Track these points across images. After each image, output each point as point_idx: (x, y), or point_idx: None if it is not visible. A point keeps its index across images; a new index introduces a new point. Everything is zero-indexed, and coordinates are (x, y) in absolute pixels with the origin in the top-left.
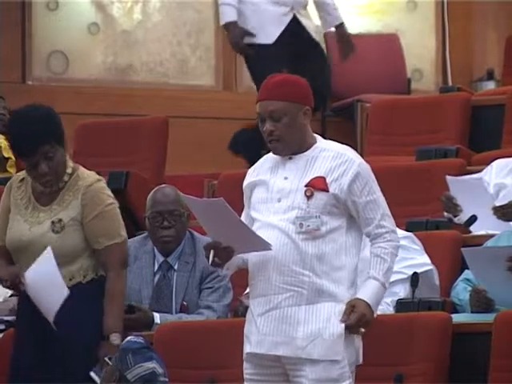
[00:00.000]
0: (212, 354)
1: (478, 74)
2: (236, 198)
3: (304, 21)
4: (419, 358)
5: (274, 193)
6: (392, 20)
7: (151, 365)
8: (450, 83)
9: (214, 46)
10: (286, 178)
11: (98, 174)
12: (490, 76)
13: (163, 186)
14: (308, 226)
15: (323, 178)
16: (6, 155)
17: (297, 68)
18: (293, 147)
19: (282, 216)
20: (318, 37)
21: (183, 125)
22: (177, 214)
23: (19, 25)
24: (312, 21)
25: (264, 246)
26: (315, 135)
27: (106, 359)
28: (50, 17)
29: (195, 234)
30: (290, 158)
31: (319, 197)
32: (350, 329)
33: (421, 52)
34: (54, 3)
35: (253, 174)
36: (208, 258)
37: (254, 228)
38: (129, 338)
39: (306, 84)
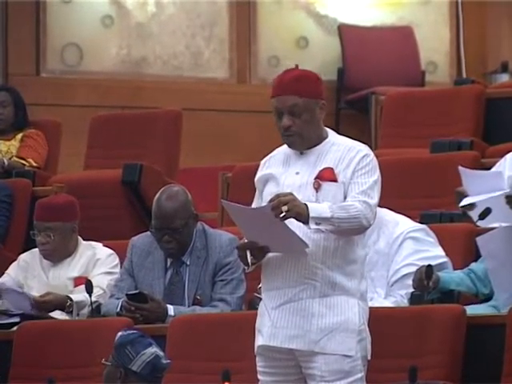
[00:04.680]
0: (226, 347)
1: (493, 67)
2: (250, 190)
3: None
4: (433, 350)
5: (285, 187)
6: (406, 12)
7: (152, 349)
8: (465, 75)
9: (227, 38)
10: (297, 173)
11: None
12: (504, 68)
13: (167, 191)
14: None
15: (331, 169)
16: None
17: None
18: (309, 142)
19: None
20: None
21: (197, 117)
22: (177, 229)
23: (33, 17)
24: None
25: (301, 246)
26: (327, 129)
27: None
28: (64, 9)
29: (206, 227)
30: (302, 153)
31: (327, 188)
32: (276, 205)
33: (435, 44)
34: None
35: (264, 166)
36: (243, 258)
37: None
38: (120, 332)
39: (319, 78)
